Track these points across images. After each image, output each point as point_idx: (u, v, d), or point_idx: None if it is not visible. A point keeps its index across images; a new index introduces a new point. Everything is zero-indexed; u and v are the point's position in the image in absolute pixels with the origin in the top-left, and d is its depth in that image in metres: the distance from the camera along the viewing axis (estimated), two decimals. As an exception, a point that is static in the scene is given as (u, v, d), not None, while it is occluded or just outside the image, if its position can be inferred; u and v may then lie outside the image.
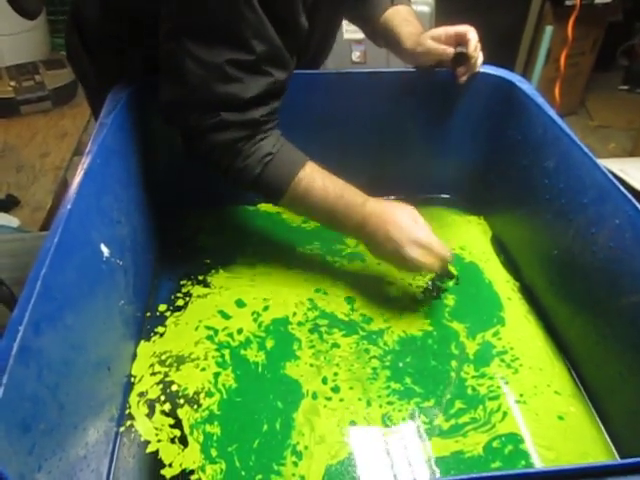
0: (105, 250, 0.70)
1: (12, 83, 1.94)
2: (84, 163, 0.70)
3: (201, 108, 0.73)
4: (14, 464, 0.45)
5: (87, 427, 0.62)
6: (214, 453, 0.68)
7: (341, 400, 0.74)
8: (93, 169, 0.70)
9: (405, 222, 0.78)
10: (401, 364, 0.78)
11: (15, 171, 1.77)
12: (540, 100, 0.88)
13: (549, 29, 2.12)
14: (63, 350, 0.57)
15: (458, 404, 0.74)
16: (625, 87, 2.84)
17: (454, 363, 0.79)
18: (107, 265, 0.71)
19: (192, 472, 0.66)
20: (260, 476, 0.66)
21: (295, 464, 0.66)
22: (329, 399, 0.74)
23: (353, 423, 0.71)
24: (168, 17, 0.71)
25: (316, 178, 0.78)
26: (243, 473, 0.66)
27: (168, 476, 0.66)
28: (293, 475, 0.65)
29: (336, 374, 0.77)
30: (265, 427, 0.71)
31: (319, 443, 0.69)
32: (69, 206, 0.63)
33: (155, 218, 0.97)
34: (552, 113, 0.85)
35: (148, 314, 0.86)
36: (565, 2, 2.18)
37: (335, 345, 0.81)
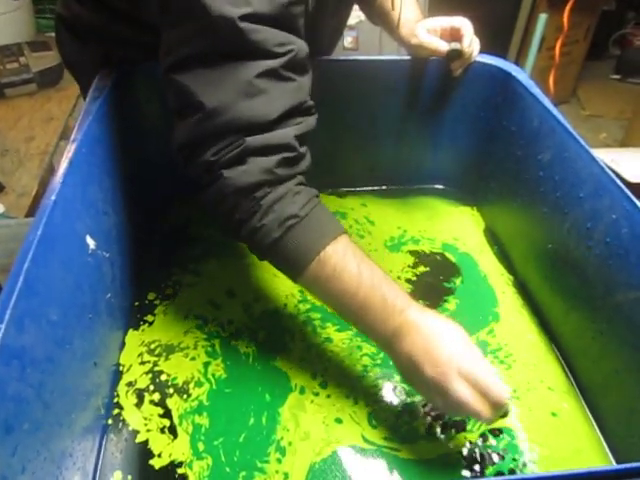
0: (91, 242, 0.68)
1: (-5, 65, 1.90)
2: (69, 152, 0.68)
3: (221, 137, 0.60)
4: (-5, 467, 0.44)
5: (73, 424, 0.60)
6: (201, 447, 0.67)
7: (328, 396, 0.73)
8: (78, 158, 0.68)
9: (457, 346, 0.58)
10: (392, 362, 0.77)
11: (0, 155, 1.73)
12: (536, 90, 0.87)
13: (543, 17, 2.10)
14: (47, 347, 0.55)
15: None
16: (617, 76, 2.83)
17: None
18: (93, 258, 0.69)
19: (179, 465, 0.66)
20: (244, 473, 0.65)
21: (279, 461, 0.66)
22: (316, 394, 0.73)
23: (339, 421, 0.70)
24: (167, 49, 0.62)
25: (350, 259, 0.61)
26: (228, 469, 0.65)
27: (157, 466, 0.65)
28: (277, 472, 0.65)
29: (326, 369, 0.76)
30: (252, 421, 0.70)
31: (304, 439, 0.68)
32: (53, 197, 0.61)
33: (144, 208, 0.95)
34: (548, 104, 0.84)
35: (137, 303, 0.85)
36: (560, -11, 2.16)
37: (328, 340, 0.80)
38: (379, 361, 0.77)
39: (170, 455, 0.66)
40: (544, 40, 2.23)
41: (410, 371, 0.60)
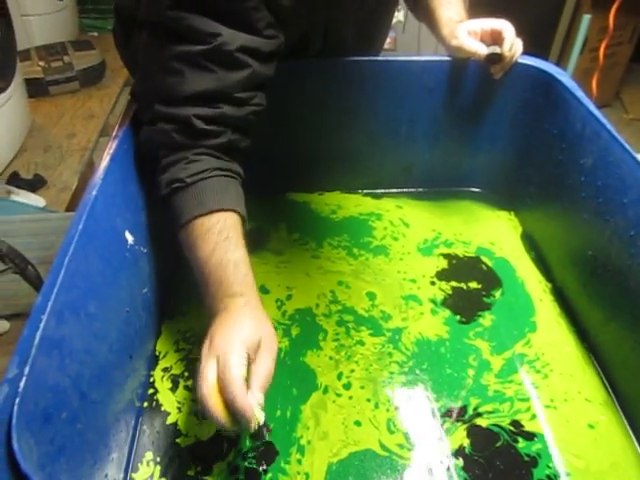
0: (130, 237, 0.70)
1: (41, 63, 1.94)
2: (110, 148, 0.70)
3: (145, 97, 0.70)
4: (35, 455, 0.45)
5: (108, 415, 0.61)
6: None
7: (350, 398, 0.73)
8: (119, 155, 0.70)
9: (235, 338, 0.57)
10: (418, 371, 0.76)
11: (43, 151, 1.78)
12: (580, 94, 0.85)
13: (587, 18, 2.05)
14: (85, 339, 0.56)
15: (474, 402, 0.72)
16: (663, 79, 2.74)
17: (471, 372, 0.76)
18: (131, 253, 0.70)
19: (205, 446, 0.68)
20: (270, 475, 0.65)
21: (299, 462, 0.66)
22: (339, 395, 0.73)
23: (358, 423, 0.70)
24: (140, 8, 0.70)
25: (210, 237, 0.63)
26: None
27: (182, 444, 0.68)
28: (298, 473, 0.65)
29: (352, 371, 0.76)
30: (278, 413, 0.71)
31: (322, 439, 0.68)
32: (94, 192, 0.62)
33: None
34: (592, 107, 0.82)
35: (172, 295, 0.87)
36: (605, -10, 2.10)
37: (360, 342, 0.80)
38: (406, 369, 0.77)
39: (195, 435, 0.69)
40: (586, 41, 2.18)
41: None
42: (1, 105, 1.56)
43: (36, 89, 1.94)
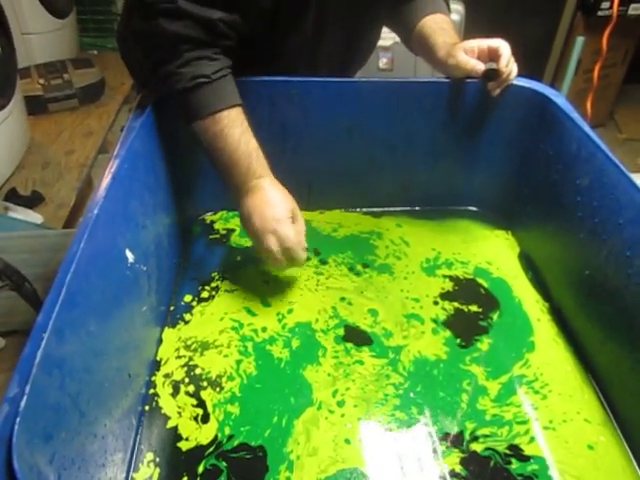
0: (130, 256, 0.70)
1: (41, 81, 1.96)
2: (111, 167, 0.70)
3: None
4: (35, 474, 0.45)
5: (106, 436, 0.61)
6: (227, 431, 0.70)
7: (342, 415, 0.73)
8: (120, 173, 0.70)
9: (282, 214, 0.77)
10: (412, 394, 0.76)
11: (41, 168, 1.78)
12: (575, 115, 0.86)
13: (580, 40, 2.08)
14: (85, 357, 0.56)
15: (470, 426, 0.72)
16: (656, 100, 2.78)
17: (465, 396, 0.76)
18: (131, 271, 0.70)
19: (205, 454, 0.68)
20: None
21: (288, 479, 0.66)
22: (332, 412, 0.73)
23: (347, 441, 0.70)
24: None
25: (237, 126, 0.76)
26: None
27: (184, 449, 0.68)
28: None
29: (348, 389, 0.76)
30: (275, 419, 0.72)
31: (311, 455, 0.68)
32: (96, 211, 0.62)
33: (181, 222, 0.97)
34: (587, 128, 0.83)
35: (172, 308, 0.88)
36: (597, 13, 2.14)
37: (359, 362, 0.80)
38: (401, 391, 0.76)
39: (196, 439, 0.69)
40: (581, 63, 2.21)
41: (245, 218, 0.79)
42: (0, 122, 1.57)
43: (35, 106, 1.95)
